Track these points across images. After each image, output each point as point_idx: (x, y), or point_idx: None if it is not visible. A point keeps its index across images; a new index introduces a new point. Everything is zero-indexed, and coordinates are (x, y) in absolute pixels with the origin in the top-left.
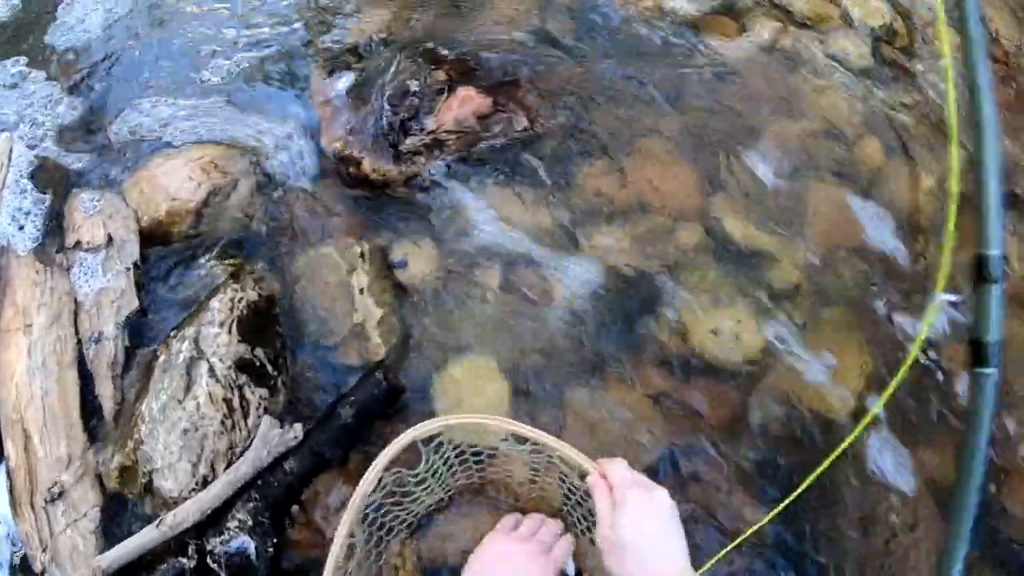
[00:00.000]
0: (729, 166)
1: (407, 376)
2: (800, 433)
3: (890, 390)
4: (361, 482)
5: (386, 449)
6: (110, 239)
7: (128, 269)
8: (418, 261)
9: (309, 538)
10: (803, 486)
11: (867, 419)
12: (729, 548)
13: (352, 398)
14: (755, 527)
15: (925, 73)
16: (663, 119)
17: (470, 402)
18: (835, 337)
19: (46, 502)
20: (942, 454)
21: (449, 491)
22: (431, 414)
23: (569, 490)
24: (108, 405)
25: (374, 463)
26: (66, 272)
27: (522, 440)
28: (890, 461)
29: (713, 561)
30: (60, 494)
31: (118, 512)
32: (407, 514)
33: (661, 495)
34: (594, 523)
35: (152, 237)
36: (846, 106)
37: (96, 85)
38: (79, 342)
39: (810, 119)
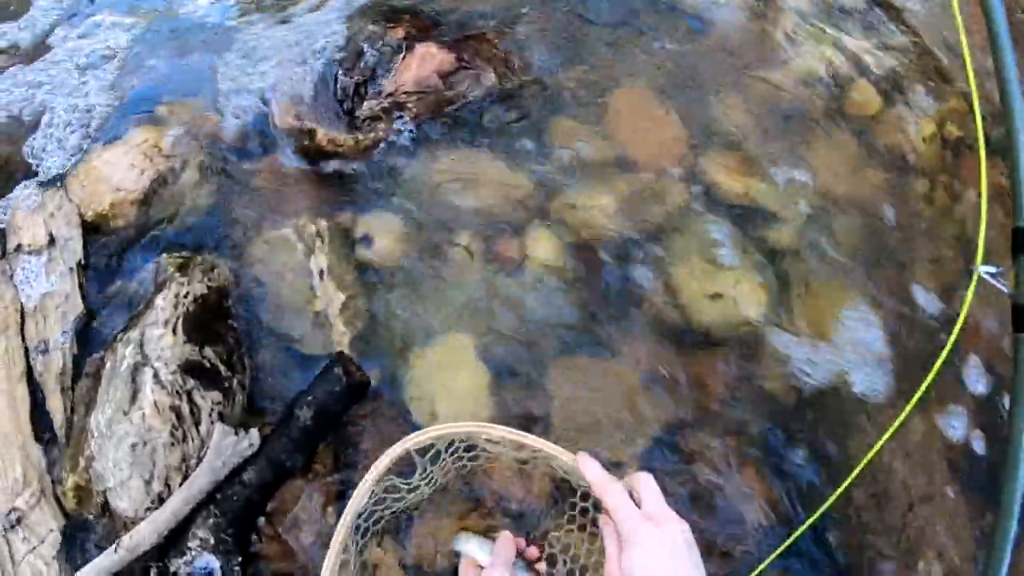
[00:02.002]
0: (717, 113)
1: (376, 365)
2: (805, 403)
3: (935, 370)
4: (352, 498)
5: (377, 462)
6: (52, 239)
7: (72, 269)
8: (383, 237)
9: (278, 551)
10: (850, 478)
11: (915, 398)
12: (776, 553)
13: (310, 397)
14: (802, 528)
15: (919, 13)
16: (642, 69)
17: (446, 389)
18: (839, 297)
19: (4, 529)
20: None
21: (437, 487)
22: (402, 405)
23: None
24: (59, 419)
25: (365, 477)
26: (9, 279)
27: (518, 446)
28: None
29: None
30: (18, 520)
31: (79, 534)
32: (392, 514)
33: (674, 530)
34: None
35: (97, 232)
36: (838, 50)
37: (31, 72)
38: (27, 353)
39: (800, 64)
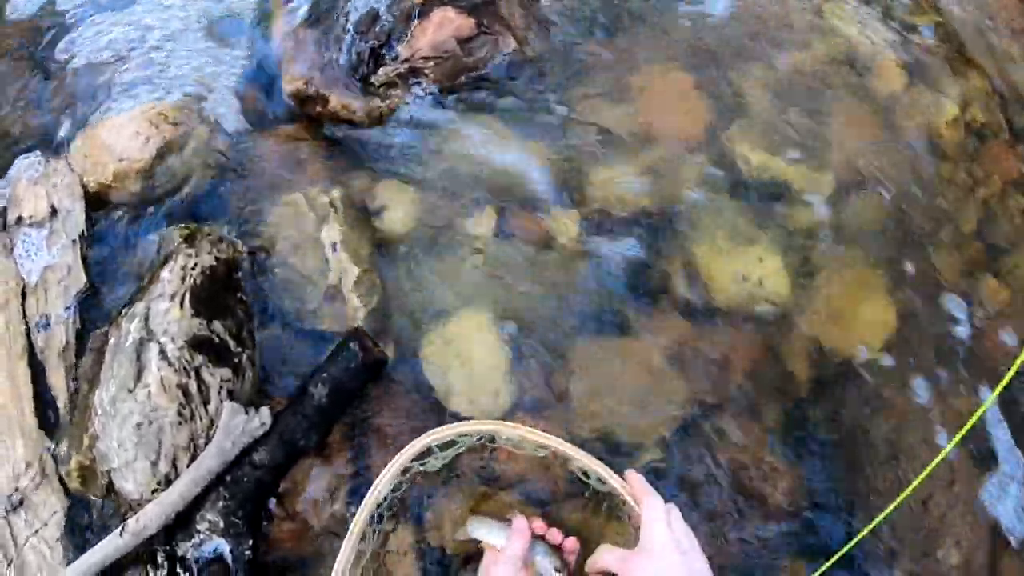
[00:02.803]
0: (741, 90)
1: (391, 340)
2: (829, 385)
3: (1005, 380)
4: (371, 489)
5: (399, 455)
6: (54, 210)
7: (74, 242)
8: (398, 208)
9: (291, 531)
10: (909, 489)
11: (980, 410)
12: (836, 557)
13: (325, 374)
14: (860, 536)
15: None
16: (667, 42)
17: (464, 366)
18: (861, 279)
19: (7, 511)
20: None
21: (453, 471)
22: (418, 382)
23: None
24: (62, 398)
25: (386, 469)
26: (10, 252)
27: (540, 446)
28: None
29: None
30: (21, 501)
31: (84, 516)
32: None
33: (698, 558)
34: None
35: (100, 203)
36: (863, 29)
37: (36, 40)
38: (27, 330)
39: (825, 43)
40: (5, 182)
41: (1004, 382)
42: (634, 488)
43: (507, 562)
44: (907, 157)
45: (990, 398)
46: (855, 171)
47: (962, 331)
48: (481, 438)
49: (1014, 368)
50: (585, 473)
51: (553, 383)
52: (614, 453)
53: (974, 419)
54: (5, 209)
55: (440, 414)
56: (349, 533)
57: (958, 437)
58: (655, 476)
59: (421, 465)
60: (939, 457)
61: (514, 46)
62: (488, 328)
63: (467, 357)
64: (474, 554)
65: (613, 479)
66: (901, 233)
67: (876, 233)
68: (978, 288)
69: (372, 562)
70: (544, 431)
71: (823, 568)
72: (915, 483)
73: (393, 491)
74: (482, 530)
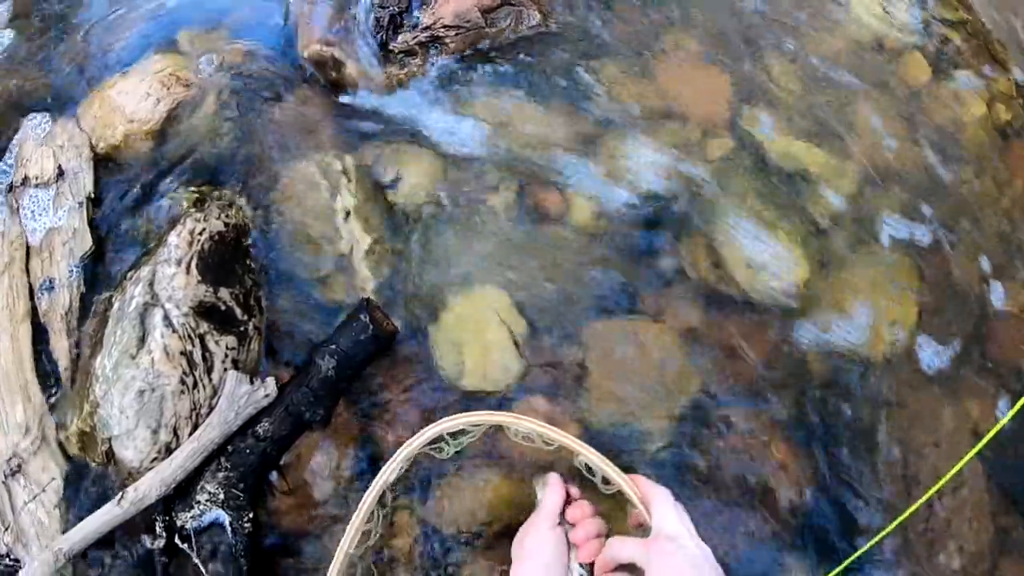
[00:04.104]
0: (765, 73)
1: (401, 313)
2: (846, 378)
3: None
4: (380, 472)
5: (409, 442)
6: (61, 171)
7: (81, 204)
8: (413, 179)
9: (292, 505)
10: (929, 494)
11: (999, 425)
12: (852, 557)
13: (333, 346)
14: (873, 541)
15: None
16: (693, 19)
17: (475, 341)
18: (884, 271)
19: (4, 476)
20: None
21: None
22: (428, 357)
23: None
24: (64, 362)
25: (396, 454)
26: (15, 213)
27: (550, 440)
28: None
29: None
30: (19, 467)
31: (83, 483)
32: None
33: (704, 552)
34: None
35: (109, 164)
36: (890, 19)
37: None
38: (31, 292)
39: (852, 31)
40: (15, 143)
41: (1017, 407)
42: (640, 487)
43: (544, 520)
44: (930, 153)
45: (1010, 413)
46: (877, 163)
47: (981, 333)
48: (492, 428)
49: None
50: (590, 470)
51: (565, 363)
52: (623, 437)
53: (992, 433)
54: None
55: (449, 391)
56: (356, 513)
57: (975, 451)
58: (662, 464)
59: (433, 451)
60: (955, 468)
61: (538, 19)
62: (501, 304)
63: (479, 333)
64: (480, 532)
65: (620, 478)
66: (921, 229)
67: (895, 227)
68: (999, 290)
69: (377, 542)
70: (552, 413)
71: (836, 571)
72: (930, 493)
73: (401, 475)
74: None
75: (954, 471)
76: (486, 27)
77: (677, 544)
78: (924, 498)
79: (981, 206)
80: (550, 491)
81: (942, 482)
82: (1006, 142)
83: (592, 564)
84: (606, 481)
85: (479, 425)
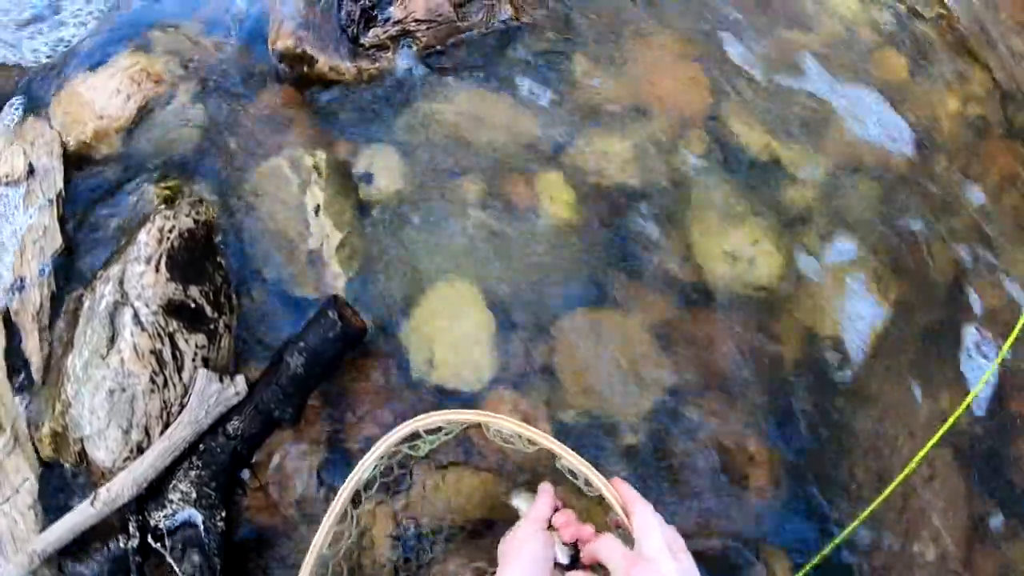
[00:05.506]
0: (737, 68)
1: (373, 309)
2: (815, 371)
3: (1004, 349)
4: (353, 472)
5: (385, 438)
6: (32, 169)
7: (51, 202)
8: (384, 174)
9: (262, 503)
10: (889, 489)
11: (959, 410)
12: (819, 557)
13: (302, 343)
14: (848, 530)
15: None
16: (665, 16)
17: (447, 336)
18: (858, 265)
19: None
20: None
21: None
22: (400, 353)
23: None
24: (35, 361)
25: (370, 451)
26: None
27: (529, 442)
28: None
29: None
30: None
31: (57, 483)
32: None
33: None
34: None
35: (79, 162)
36: (867, 15)
37: None
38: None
39: (828, 25)
40: None
41: (980, 384)
42: (621, 494)
43: (532, 523)
44: (905, 148)
45: (968, 397)
46: (851, 157)
47: (952, 326)
48: (469, 427)
49: (992, 367)
50: (572, 473)
51: (536, 356)
52: (595, 431)
53: (953, 419)
54: None
55: (420, 387)
56: (328, 513)
57: (937, 436)
58: (634, 456)
59: (409, 449)
60: (920, 454)
61: (510, 13)
62: (473, 298)
63: (450, 328)
64: (455, 532)
65: (600, 483)
66: (894, 223)
67: (869, 221)
68: (971, 284)
69: (351, 543)
70: (523, 406)
71: (808, 567)
72: (897, 481)
73: (376, 473)
74: (519, 500)
75: (928, 447)
76: (458, 21)
77: (655, 567)
78: (897, 481)
79: (955, 201)
80: (542, 497)
81: (914, 462)
82: (981, 138)
83: (577, 547)
84: (589, 483)
85: (456, 423)
